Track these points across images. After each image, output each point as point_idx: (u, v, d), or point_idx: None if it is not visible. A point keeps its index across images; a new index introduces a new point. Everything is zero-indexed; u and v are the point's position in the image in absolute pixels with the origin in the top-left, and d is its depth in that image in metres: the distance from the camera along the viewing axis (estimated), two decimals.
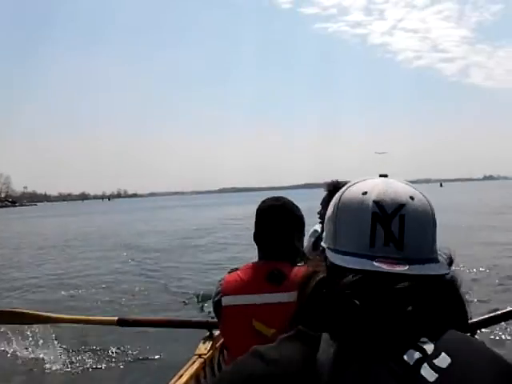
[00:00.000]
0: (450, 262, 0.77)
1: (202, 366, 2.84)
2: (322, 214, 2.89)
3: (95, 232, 23.78)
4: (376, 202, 0.73)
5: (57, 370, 5.11)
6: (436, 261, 0.74)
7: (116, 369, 5.14)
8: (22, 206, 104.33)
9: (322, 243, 0.80)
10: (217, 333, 2.90)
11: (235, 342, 1.66)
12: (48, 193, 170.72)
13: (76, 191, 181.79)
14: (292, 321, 0.82)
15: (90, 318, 3.56)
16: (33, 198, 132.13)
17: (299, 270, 1.60)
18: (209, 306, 5.20)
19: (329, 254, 0.75)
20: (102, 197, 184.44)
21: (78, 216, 45.61)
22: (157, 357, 5.30)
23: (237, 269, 1.76)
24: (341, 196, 0.78)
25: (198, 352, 2.94)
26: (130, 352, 5.45)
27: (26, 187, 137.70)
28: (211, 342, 2.99)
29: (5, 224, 38.74)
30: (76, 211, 62.29)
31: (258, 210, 1.81)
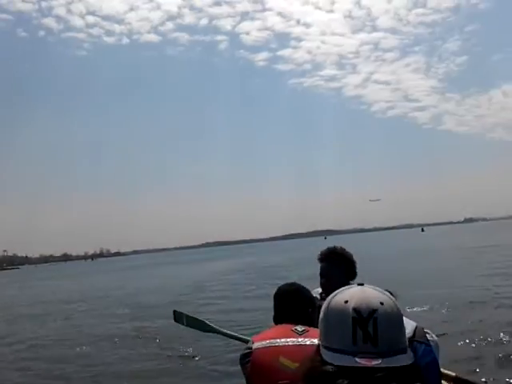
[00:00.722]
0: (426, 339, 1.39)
1: None
2: (323, 284, 2.90)
3: (92, 293, 24.40)
4: (354, 309, 0.95)
5: None
6: (404, 351, 0.96)
7: None
8: (3, 269, 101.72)
9: (317, 340, 1.03)
10: None
11: (261, 379, 1.88)
12: (29, 255, 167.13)
13: (57, 252, 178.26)
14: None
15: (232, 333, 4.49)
16: (13, 262, 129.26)
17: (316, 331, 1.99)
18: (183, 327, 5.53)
19: (322, 350, 0.98)
20: (85, 257, 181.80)
21: (74, 278, 45.03)
22: None
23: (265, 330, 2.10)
24: (329, 304, 1.01)
25: None
26: None
27: (5, 251, 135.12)
28: None
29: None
30: (62, 273, 61.57)
31: (276, 295, 2.24)
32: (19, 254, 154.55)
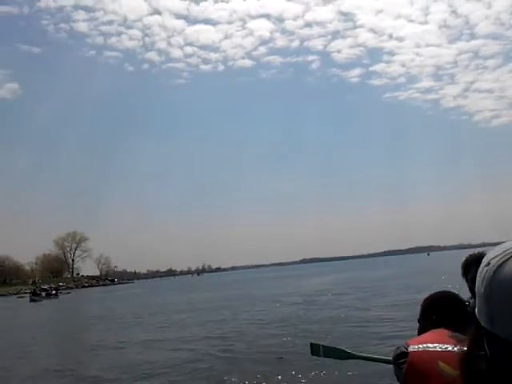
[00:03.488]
0: None
1: None
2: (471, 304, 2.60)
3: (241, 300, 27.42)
4: None
5: None
6: None
7: None
8: (120, 283, 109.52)
9: (477, 315, 0.77)
10: None
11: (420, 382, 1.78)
12: (137, 271, 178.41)
13: (162, 268, 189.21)
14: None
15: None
16: (123, 276, 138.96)
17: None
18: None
19: (487, 337, 0.73)
20: (189, 272, 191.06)
21: (199, 292, 43.75)
22: None
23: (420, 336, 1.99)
24: (493, 275, 0.71)
25: None
26: None
27: (116, 266, 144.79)
28: None
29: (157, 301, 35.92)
30: (182, 285, 65.32)
31: (430, 302, 2.11)
32: (128, 270, 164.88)
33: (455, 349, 1.73)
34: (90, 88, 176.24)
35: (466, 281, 2.97)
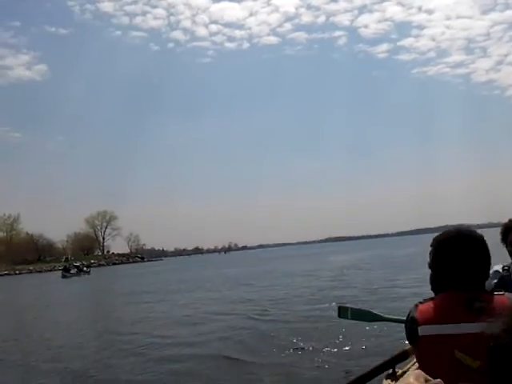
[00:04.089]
0: None
1: None
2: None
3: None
4: None
5: None
6: None
7: None
8: (149, 261, 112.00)
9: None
10: (399, 371, 2.92)
11: (435, 373, 1.36)
12: (165, 248, 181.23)
13: (189, 246, 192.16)
14: None
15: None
16: (151, 254, 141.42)
17: (500, 298, 1.56)
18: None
19: None
20: (216, 250, 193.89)
21: (230, 267, 44.64)
22: None
23: (431, 298, 1.69)
24: None
25: None
26: None
27: (144, 244, 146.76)
28: (394, 381, 2.91)
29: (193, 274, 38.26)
30: (212, 263, 66.12)
31: (446, 241, 1.72)
32: (156, 248, 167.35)
33: (475, 329, 1.45)
34: (116, 68, 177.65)
35: (506, 245, 2.87)
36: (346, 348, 7.99)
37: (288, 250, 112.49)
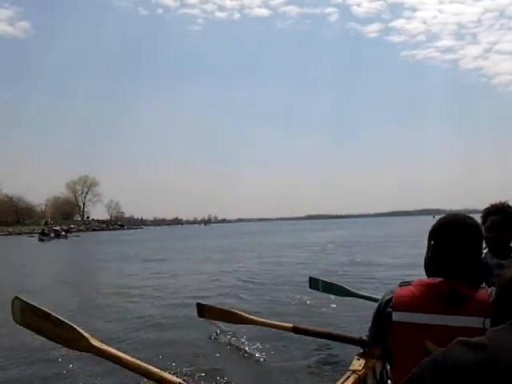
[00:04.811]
0: None
1: (357, 383, 2.88)
2: (491, 239, 2.63)
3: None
4: None
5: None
6: None
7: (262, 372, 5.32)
8: (128, 229, 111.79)
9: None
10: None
11: (403, 360, 1.56)
12: (144, 217, 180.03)
13: (169, 216, 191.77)
14: (498, 316, 0.92)
15: (270, 321, 4.14)
16: (130, 222, 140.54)
17: (482, 292, 1.51)
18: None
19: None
20: (198, 222, 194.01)
21: (227, 238, 44.83)
22: (311, 369, 5.26)
23: (409, 283, 1.62)
24: None
25: (352, 368, 3.02)
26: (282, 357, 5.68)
27: (123, 212, 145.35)
28: (365, 360, 3.06)
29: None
30: (194, 234, 65.91)
31: (439, 226, 1.67)
32: (135, 217, 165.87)
33: (450, 322, 1.49)
34: (103, 31, 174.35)
35: (484, 230, 2.78)
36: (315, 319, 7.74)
37: (269, 225, 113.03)
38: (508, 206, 2.71)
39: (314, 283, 5.21)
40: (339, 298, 6.18)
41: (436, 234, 1.66)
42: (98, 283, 15.09)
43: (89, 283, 15.41)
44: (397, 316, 1.57)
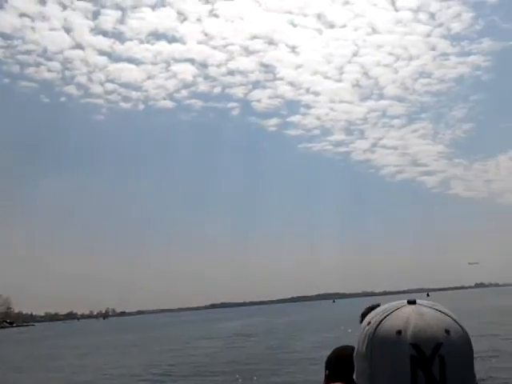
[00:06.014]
0: None
1: None
2: None
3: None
4: (413, 344, 0.68)
5: None
6: None
7: None
8: (18, 326, 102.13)
9: (355, 378, 0.75)
10: None
11: None
12: (34, 313, 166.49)
13: (62, 311, 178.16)
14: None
15: None
16: (19, 318, 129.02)
17: None
18: None
19: None
20: (95, 316, 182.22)
21: (134, 333, 44.20)
22: None
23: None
24: (373, 334, 0.71)
25: None
26: None
27: (10, 308, 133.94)
28: None
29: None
30: (97, 330, 62.77)
31: (333, 354, 2.00)
32: (24, 312, 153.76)
33: None
34: (4, 116, 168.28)
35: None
36: None
37: (172, 317, 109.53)
38: (374, 308, 3.55)
39: None
40: None
41: (331, 365, 1.95)
42: None
43: None
44: None
